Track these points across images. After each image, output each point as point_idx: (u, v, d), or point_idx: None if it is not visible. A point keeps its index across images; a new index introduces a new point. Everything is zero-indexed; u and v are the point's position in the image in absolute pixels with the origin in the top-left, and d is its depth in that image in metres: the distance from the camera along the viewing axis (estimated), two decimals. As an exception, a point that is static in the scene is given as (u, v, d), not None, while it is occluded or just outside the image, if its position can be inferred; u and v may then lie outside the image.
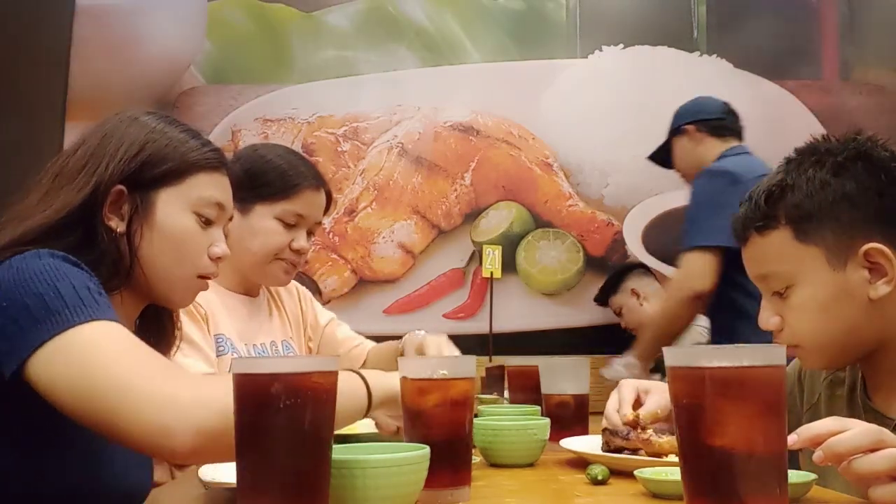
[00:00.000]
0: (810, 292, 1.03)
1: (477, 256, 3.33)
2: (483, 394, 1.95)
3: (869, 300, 1.00)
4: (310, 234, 1.56)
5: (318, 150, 3.42)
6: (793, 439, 0.75)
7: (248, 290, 1.59)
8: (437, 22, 3.53)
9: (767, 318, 1.08)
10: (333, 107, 3.46)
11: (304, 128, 3.44)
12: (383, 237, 3.36)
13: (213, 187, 1.05)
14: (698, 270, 2.15)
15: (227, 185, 1.09)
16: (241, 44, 3.51)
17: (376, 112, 3.46)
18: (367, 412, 0.96)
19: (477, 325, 3.29)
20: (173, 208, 1.02)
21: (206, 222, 1.05)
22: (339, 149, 3.43)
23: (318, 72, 3.48)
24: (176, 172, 1.02)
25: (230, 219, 1.11)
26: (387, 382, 0.97)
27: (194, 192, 1.03)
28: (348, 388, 0.90)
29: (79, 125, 3.35)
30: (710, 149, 2.41)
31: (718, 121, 2.44)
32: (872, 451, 0.74)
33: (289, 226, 1.51)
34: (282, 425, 0.68)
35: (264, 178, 1.51)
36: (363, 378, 0.96)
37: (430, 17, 3.54)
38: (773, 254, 1.06)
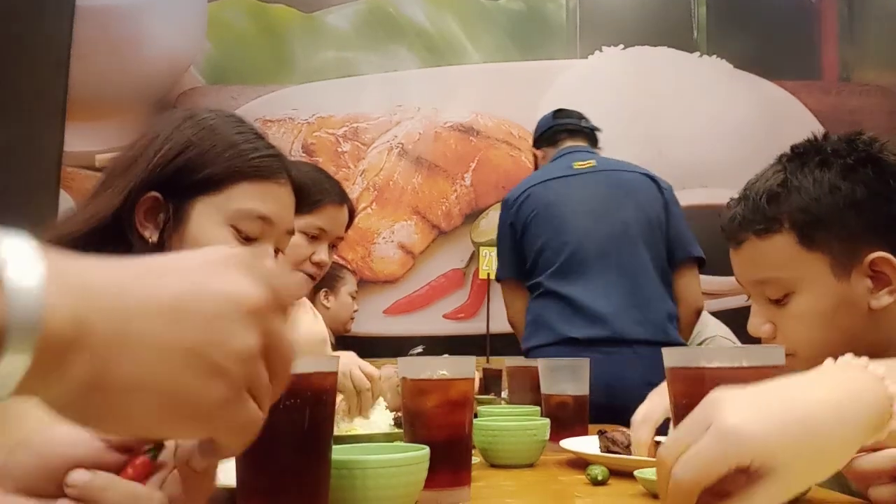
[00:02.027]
0: (811, 301, 0.98)
1: (476, 257, 3.33)
2: (480, 395, 1.95)
3: (868, 309, 0.97)
4: (332, 247, 1.57)
5: (318, 150, 3.42)
6: None
7: None
8: (438, 23, 3.54)
9: (759, 324, 1.02)
10: (333, 107, 3.46)
11: (305, 128, 3.44)
12: (383, 237, 3.36)
13: (257, 199, 0.95)
14: (699, 285, 2.16)
15: (282, 197, 0.98)
16: (242, 44, 3.51)
17: (376, 113, 3.46)
18: None
19: (477, 326, 3.29)
20: (208, 220, 0.92)
21: (247, 238, 0.94)
22: (339, 149, 3.44)
23: (319, 72, 3.49)
24: (214, 180, 0.92)
25: (289, 234, 1.00)
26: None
27: (233, 203, 0.93)
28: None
29: (79, 125, 3.36)
30: (548, 161, 2.35)
31: (549, 130, 2.42)
32: (874, 450, 0.73)
33: (311, 238, 1.52)
34: (282, 426, 0.68)
35: None
36: None
37: (430, 18, 3.54)
38: (773, 259, 1.00)
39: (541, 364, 1.33)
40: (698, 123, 3.38)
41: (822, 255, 0.97)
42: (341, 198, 1.57)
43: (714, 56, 3.48)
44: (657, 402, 1.06)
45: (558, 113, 2.44)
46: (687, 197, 3.05)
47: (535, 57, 3.51)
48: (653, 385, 1.10)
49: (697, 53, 3.49)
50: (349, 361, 1.35)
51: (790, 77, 3.47)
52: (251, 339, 0.41)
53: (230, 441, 0.43)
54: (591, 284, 2.04)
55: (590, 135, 2.39)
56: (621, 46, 3.48)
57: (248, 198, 0.94)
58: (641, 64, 3.47)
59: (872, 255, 0.95)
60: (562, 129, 2.38)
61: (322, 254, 1.53)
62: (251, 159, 0.94)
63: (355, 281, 2.95)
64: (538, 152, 2.43)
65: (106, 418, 0.38)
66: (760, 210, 1.00)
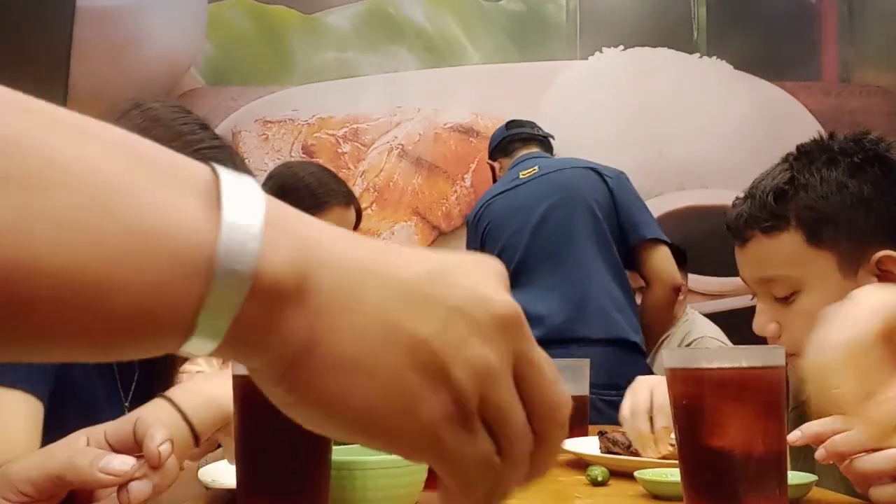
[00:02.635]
0: (819, 299, 0.96)
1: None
2: None
3: None
4: None
5: (319, 151, 3.42)
6: (796, 436, 0.74)
7: None
8: (438, 23, 3.54)
9: (764, 323, 1.02)
10: (334, 108, 3.46)
11: (305, 129, 3.44)
12: (383, 238, 3.36)
13: None
14: (672, 262, 2.16)
15: None
16: (242, 45, 3.51)
17: (376, 113, 3.46)
18: (198, 443, 0.81)
19: (477, 327, 3.29)
20: None
21: None
22: (340, 150, 3.44)
23: (319, 73, 3.49)
24: None
25: None
26: (202, 395, 0.80)
27: None
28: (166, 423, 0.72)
29: (79, 126, 3.36)
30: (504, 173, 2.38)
31: (503, 141, 2.44)
32: (875, 450, 0.73)
33: None
34: (281, 426, 0.68)
35: (295, 195, 1.55)
36: (173, 403, 0.79)
37: (430, 19, 3.54)
38: (780, 257, 1.00)
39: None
40: (698, 124, 3.38)
41: (830, 253, 0.97)
42: (348, 199, 1.58)
43: (714, 57, 3.48)
44: (640, 396, 1.04)
45: (510, 124, 2.50)
46: (687, 197, 3.05)
47: (535, 58, 3.51)
48: (595, 384, 1.12)
49: (697, 54, 3.49)
50: None
51: (790, 78, 3.47)
52: (492, 355, 0.32)
53: (448, 474, 0.33)
54: (535, 290, 2.07)
55: (543, 141, 2.42)
56: (621, 47, 3.48)
57: None
58: (641, 65, 3.47)
59: (879, 254, 0.95)
60: (515, 138, 2.42)
61: None
62: (196, 150, 0.92)
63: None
64: (494, 164, 2.47)
65: (300, 401, 0.32)
66: (767, 207, 1.00)
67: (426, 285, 0.32)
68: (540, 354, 0.35)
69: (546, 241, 2.11)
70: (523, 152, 2.37)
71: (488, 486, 0.33)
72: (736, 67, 3.46)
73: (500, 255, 2.18)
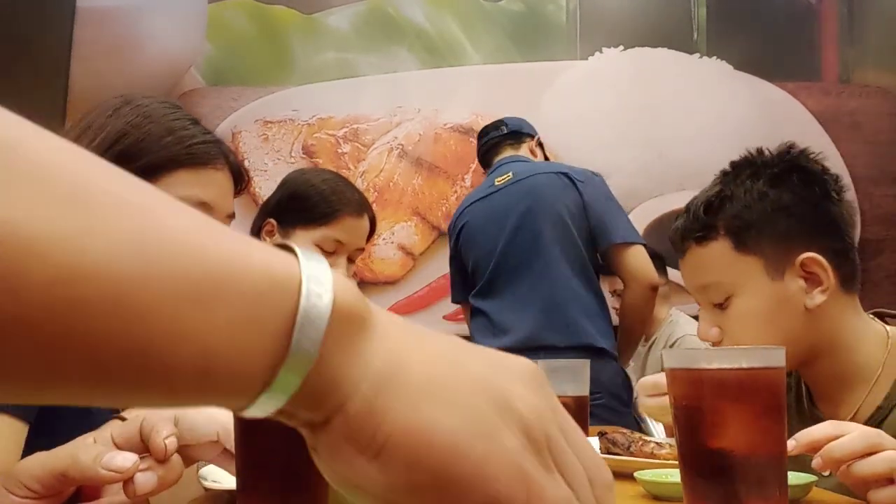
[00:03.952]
0: (750, 302, 1.04)
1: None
2: None
3: (805, 309, 1.03)
4: (351, 260, 1.55)
5: (319, 151, 3.42)
6: (791, 445, 0.75)
7: None
8: (438, 24, 3.54)
9: (706, 329, 1.08)
10: (334, 108, 3.46)
11: (305, 129, 3.44)
12: (383, 239, 3.36)
13: (196, 185, 0.93)
14: (647, 260, 2.16)
15: (221, 182, 0.98)
16: (242, 45, 3.51)
17: (376, 114, 3.46)
18: None
19: (477, 327, 3.29)
20: None
21: None
22: (340, 150, 3.44)
23: (319, 73, 3.49)
24: (151, 168, 0.89)
25: (230, 218, 1.00)
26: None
27: (172, 190, 0.88)
28: None
29: (79, 127, 3.36)
30: None
31: (480, 153, 2.43)
32: (870, 454, 0.74)
33: (327, 253, 1.49)
34: (282, 426, 0.68)
35: (307, 203, 1.52)
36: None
37: (430, 19, 3.54)
38: (712, 264, 1.07)
39: (540, 365, 1.32)
40: (698, 124, 3.38)
41: (756, 257, 1.04)
42: (361, 208, 1.54)
43: (714, 57, 3.48)
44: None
45: (480, 134, 2.46)
46: (687, 197, 3.04)
47: (535, 58, 3.51)
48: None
49: (697, 55, 3.49)
50: None
51: (790, 78, 3.47)
52: (539, 401, 0.33)
53: None
54: (505, 299, 2.11)
55: (511, 135, 2.39)
56: (621, 48, 3.48)
57: (187, 185, 0.92)
58: (641, 65, 3.47)
59: (802, 256, 1.03)
60: (486, 147, 2.42)
61: (340, 267, 1.50)
62: (189, 146, 0.93)
63: (356, 283, 2.95)
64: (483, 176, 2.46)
65: (390, 437, 0.29)
66: (699, 220, 1.09)
67: (461, 350, 0.33)
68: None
69: (517, 249, 2.12)
70: (497, 158, 2.37)
71: None
72: (736, 67, 3.46)
73: (475, 265, 2.21)
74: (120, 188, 0.27)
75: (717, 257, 1.07)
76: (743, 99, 3.43)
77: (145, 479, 0.57)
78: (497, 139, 2.38)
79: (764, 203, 1.05)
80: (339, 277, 0.30)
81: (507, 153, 2.35)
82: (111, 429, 0.64)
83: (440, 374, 0.30)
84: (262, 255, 0.28)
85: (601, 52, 3.49)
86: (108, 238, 0.24)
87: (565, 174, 2.20)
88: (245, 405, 0.29)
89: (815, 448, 0.74)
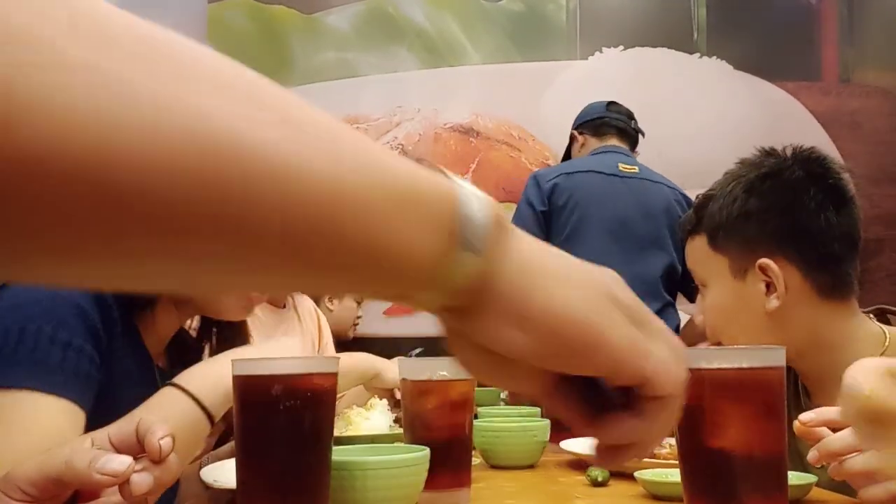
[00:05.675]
0: (714, 295, 1.14)
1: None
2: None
3: (767, 314, 1.07)
4: None
5: (319, 151, 3.43)
6: (813, 455, 0.75)
7: (273, 300, 1.66)
8: (438, 23, 3.54)
9: (697, 313, 1.22)
10: (333, 108, 3.46)
11: (305, 129, 3.44)
12: (383, 238, 3.37)
13: None
14: None
15: None
16: (242, 45, 3.51)
17: (376, 114, 3.46)
18: (213, 424, 0.86)
19: (477, 327, 3.29)
20: None
21: None
22: (340, 150, 3.44)
23: (319, 73, 3.49)
24: None
25: None
26: (214, 382, 0.85)
27: None
28: (181, 419, 0.82)
29: (79, 126, 3.36)
30: (587, 150, 2.41)
31: (598, 119, 2.44)
32: (834, 430, 0.74)
33: None
34: (282, 426, 0.68)
35: None
36: (183, 389, 0.84)
37: (430, 19, 3.54)
38: (693, 256, 1.19)
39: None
40: (698, 124, 3.38)
41: (724, 256, 1.12)
42: None
43: (714, 57, 3.48)
44: None
45: (611, 105, 2.47)
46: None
47: (535, 58, 3.51)
48: None
49: (697, 54, 3.49)
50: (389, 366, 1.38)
51: (790, 78, 3.47)
52: (633, 296, 0.40)
53: (651, 386, 0.39)
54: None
55: (633, 138, 2.43)
56: (621, 47, 3.48)
57: None
58: (641, 65, 3.47)
59: (760, 261, 1.08)
60: (612, 123, 2.41)
61: None
62: None
63: None
64: (579, 137, 2.45)
65: (534, 305, 0.37)
66: (692, 214, 1.19)
67: (568, 255, 0.40)
68: None
69: (624, 240, 2.15)
70: (613, 142, 2.37)
71: (666, 422, 0.42)
72: (736, 67, 3.46)
73: (572, 234, 2.17)
74: (321, 118, 0.34)
75: (696, 250, 1.17)
76: (743, 99, 3.43)
77: (141, 480, 0.57)
78: (626, 127, 2.40)
79: (734, 207, 1.11)
80: (481, 191, 0.37)
81: (625, 146, 2.38)
82: (108, 430, 0.64)
83: (563, 266, 0.39)
84: (426, 173, 0.35)
85: (601, 51, 3.49)
86: (334, 158, 0.32)
87: (687, 199, 2.25)
88: (421, 295, 0.36)
89: (835, 458, 0.73)
